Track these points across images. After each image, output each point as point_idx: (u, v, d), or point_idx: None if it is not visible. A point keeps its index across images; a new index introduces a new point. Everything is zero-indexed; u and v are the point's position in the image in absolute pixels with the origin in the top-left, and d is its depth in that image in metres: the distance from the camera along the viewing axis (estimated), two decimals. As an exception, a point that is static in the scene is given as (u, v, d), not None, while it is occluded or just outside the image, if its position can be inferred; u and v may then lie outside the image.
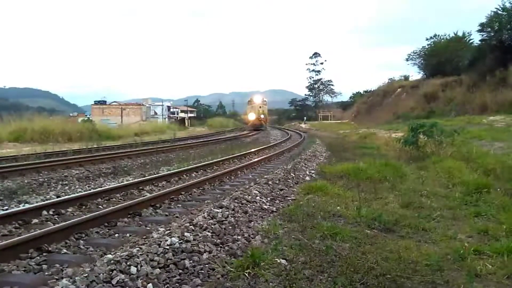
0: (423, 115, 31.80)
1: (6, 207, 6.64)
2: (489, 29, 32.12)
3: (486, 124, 19.86)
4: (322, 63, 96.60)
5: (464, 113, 27.07)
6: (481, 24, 32.66)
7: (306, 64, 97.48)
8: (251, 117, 47.42)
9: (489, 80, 29.72)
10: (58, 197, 7.40)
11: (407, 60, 50.85)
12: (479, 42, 35.09)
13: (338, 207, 6.46)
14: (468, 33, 42.06)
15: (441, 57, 40.92)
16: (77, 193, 7.72)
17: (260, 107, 47.67)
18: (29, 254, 4.32)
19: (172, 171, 10.15)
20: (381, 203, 6.77)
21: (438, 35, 46.24)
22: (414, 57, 49.50)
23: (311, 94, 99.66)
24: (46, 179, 9.47)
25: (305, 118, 77.89)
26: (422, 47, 47.94)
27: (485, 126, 18.79)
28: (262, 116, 47.25)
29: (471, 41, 41.13)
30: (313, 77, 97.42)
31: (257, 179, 9.01)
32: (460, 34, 42.90)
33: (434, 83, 38.14)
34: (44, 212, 6.00)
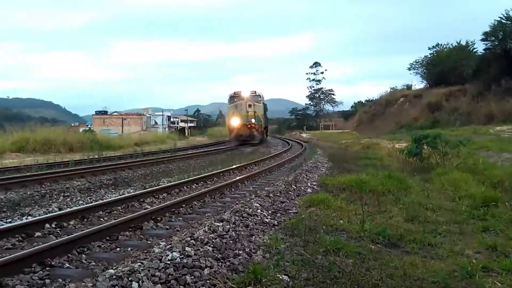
0: (427, 124, 31.77)
1: (9, 220, 6.63)
2: (493, 38, 32.17)
3: (492, 134, 19.73)
4: (322, 72, 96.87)
5: (470, 123, 27.02)
6: (485, 33, 32.72)
7: (307, 73, 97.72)
8: (235, 122, 30.47)
9: (495, 89, 29.72)
10: (60, 209, 7.38)
11: (409, 69, 51.04)
12: (483, 51, 35.12)
13: (341, 221, 6.39)
14: (471, 42, 42.14)
15: (444, 66, 41.00)
16: (79, 205, 7.71)
17: (250, 105, 30.53)
18: (32, 269, 4.29)
19: (172, 183, 10.10)
20: (385, 216, 6.69)
21: (441, 44, 46.42)
22: (417, 66, 49.66)
23: (311, 103, 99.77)
24: (48, 191, 9.44)
25: (304, 127, 77.80)
26: (425, 56, 48.15)
27: (491, 137, 18.66)
28: (253, 120, 30.45)
29: (474, 50, 41.15)
30: (313, 86, 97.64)
31: (258, 191, 8.95)
32: (463, 43, 42.98)
33: (438, 93, 38.12)
34: (47, 225, 5.98)
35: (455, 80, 38.26)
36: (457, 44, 43.54)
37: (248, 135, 30.60)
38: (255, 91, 32.26)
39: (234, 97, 31.83)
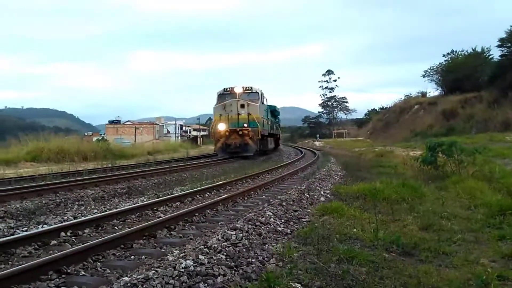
0: (442, 132, 31.46)
1: (25, 228, 6.74)
2: (509, 44, 31.82)
3: (509, 141, 19.45)
4: (335, 80, 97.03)
5: (486, 130, 26.66)
6: (501, 40, 32.38)
7: (319, 81, 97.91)
8: (221, 128, 24.12)
9: (511, 96, 29.30)
10: (75, 218, 7.47)
11: (423, 76, 50.73)
12: (499, 58, 34.72)
13: (355, 230, 6.34)
14: (487, 48, 41.73)
15: (459, 73, 40.67)
16: (93, 214, 7.80)
17: (242, 105, 24.06)
18: (49, 276, 4.36)
19: (185, 192, 10.17)
20: (399, 225, 6.63)
21: (455, 51, 46.08)
22: (431, 73, 49.33)
23: (324, 111, 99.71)
24: (63, 199, 9.57)
25: (317, 135, 77.70)
26: (439, 63, 47.83)
27: (508, 144, 18.40)
28: (245, 125, 23.69)
29: (490, 56, 40.74)
30: (326, 94, 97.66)
31: (271, 200, 8.95)
32: (478, 49, 42.58)
33: (453, 100, 37.78)
34: (62, 234, 6.07)
35: (470, 87, 37.89)
36: (472, 51, 43.17)
37: (238, 145, 23.62)
38: (251, 87, 25.58)
39: (223, 95, 25.42)
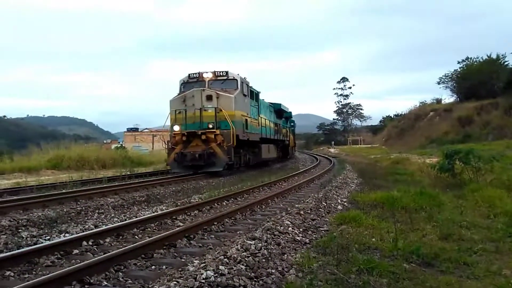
0: (458, 139, 31.11)
1: (48, 237, 6.87)
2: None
3: (526, 148, 19.16)
4: (350, 87, 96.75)
5: (502, 137, 26.29)
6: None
7: (334, 88, 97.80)
8: (176, 130, 17.52)
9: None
10: (96, 226, 7.60)
11: (438, 83, 50.40)
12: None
13: (373, 239, 6.33)
14: (502, 55, 41.37)
15: (474, 80, 40.34)
16: (114, 222, 7.93)
17: (209, 96, 17.46)
18: (72, 286, 4.43)
19: (204, 200, 10.26)
20: (418, 235, 6.59)
21: (471, 58, 45.72)
22: (446, 80, 49.02)
23: (339, 118, 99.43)
24: (83, 208, 9.72)
25: (332, 142, 77.49)
26: (454, 70, 47.53)
27: (526, 151, 18.12)
28: (210, 126, 17.09)
29: (506, 63, 40.38)
30: (341, 101, 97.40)
31: (288, 209, 8.97)
32: (493, 56, 42.22)
33: (469, 107, 37.46)
34: (84, 243, 6.16)
35: (486, 93, 37.53)
36: (487, 57, 42.79)
37: (198, 156, 16.62)
38: (226, 72, 18.35)
39: (188, 85, 18.50)
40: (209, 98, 17.43)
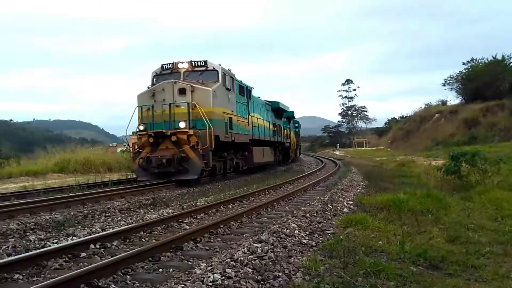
0: (464, 141, 31.00)
1: (56, 240, 6.91)
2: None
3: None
4: (354, 90, 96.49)
5: (508, 139, 26.16)
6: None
7: (339, 90, 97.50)
8: (141, 128, 14.89)
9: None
10: (103, 230, 7.64)
11: (443, 85, 50.20)
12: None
13: (380, 242, 6.31)
14: (507, 56, 41.18)
15: (480, 81, 40.14)
16: (120, 226, 7.96)
17: (182, 90, 14.69)
18: (80, 290, 4.45)
19: (210, 203, 10.29)
20: (425, 237, 6.57)
21: (476, 59, 45.50)
22: (451, 82, 48.81)
23: (344, 120, 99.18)
24: (90, 211, 9.77)
25: (338, 145, 77.38)
26: (459, 71, 47.31)
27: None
28: (182, 124, 14.36)
29: (511, 64, 40.18)
30: (346, 104, 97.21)
31: (294, 211, 8.97)
32: (499, 57, 42.02)
33: (474, 108, 37.31)
34: (92, 246, 6.20)
35: (492, 95, 37.36)
36: (492, 59, 42.59)
37: (167, 160, 14.12)
38: (205, 62, 15.97)
39: (162, 77, 16.04)
40: (182, 91, 14.72)
